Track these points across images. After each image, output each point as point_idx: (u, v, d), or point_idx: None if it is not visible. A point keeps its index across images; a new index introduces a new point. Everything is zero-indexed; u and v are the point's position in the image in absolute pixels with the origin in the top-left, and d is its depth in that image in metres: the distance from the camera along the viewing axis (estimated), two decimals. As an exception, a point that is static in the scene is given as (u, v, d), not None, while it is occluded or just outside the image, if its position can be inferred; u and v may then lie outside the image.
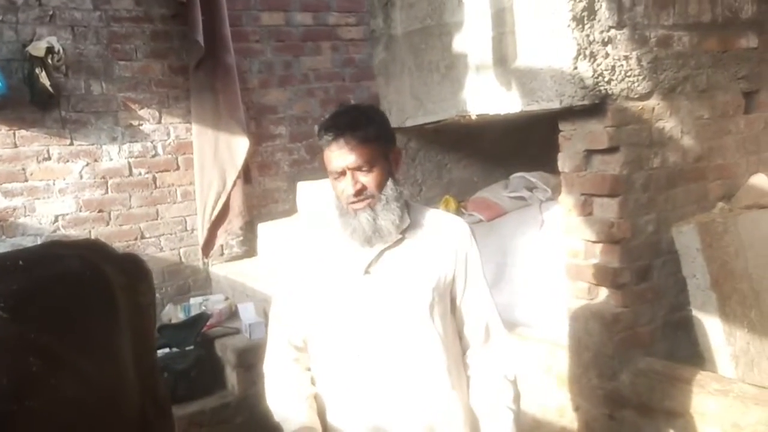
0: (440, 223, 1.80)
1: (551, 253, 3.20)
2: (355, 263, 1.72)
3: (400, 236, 1.72)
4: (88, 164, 3.94)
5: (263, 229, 4.44)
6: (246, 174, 4.38)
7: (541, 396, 3.10)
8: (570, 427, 2.98)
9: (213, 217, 4.25)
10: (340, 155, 1.65)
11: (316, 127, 1.80)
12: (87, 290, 2.08)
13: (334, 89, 4.88)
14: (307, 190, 4.59)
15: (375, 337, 1.69)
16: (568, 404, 2.97)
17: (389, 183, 1.71)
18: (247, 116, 4.41)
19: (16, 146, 3.74)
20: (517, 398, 1.78)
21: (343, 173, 1.67)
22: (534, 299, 3.37)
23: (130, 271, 2.38)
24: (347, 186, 1.67)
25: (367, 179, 1.67)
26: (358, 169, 1.66)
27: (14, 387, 1.63)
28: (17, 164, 3.76)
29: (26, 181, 3.79)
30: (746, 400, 2.36)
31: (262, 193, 4.62)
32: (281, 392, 1.76)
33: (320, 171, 4.64)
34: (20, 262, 2.05)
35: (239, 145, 4.27)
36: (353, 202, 1.68)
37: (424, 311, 1.70)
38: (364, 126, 1.68)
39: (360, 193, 1.66)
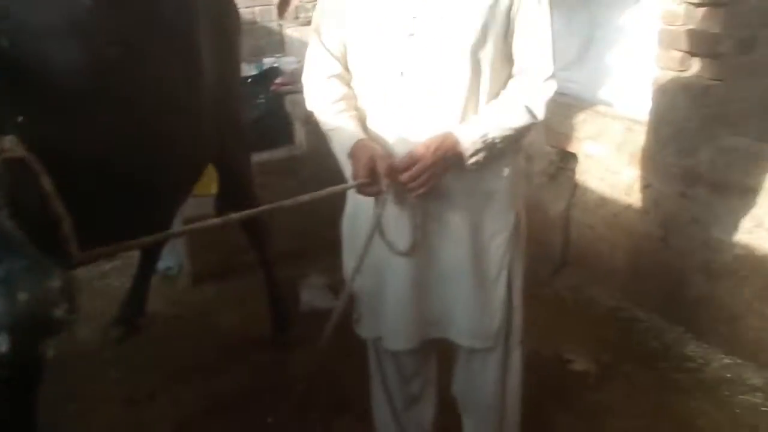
0: None
1: (644, 28, 2.95)
2: None
3: None
4: None
5: (340, -7, 4.26)
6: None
7: (609, 174, 3.02)
8: (636, 205, 2.92)
9: (289, -24, 4.08)
10: None
11: None
12: None
13: None
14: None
15: (420, 58, 1.56)
16: (638, 182, 2.89)
17: None
18: None
19: None
20: (519, 128, 1.60)
21: None
22: (619, 77, 3.18)
23: None
24: None
25: None
26: None
27: (93, 70, 1.66)
28: None
29: None
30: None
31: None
32: (326, 105, 1.68)
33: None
34: None
35: None
36: None
37: (475, 35, 1.54)
38: None
39: None
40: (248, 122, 3.27)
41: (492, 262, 1.72)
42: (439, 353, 1.96)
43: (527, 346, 1.90)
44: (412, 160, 1.53)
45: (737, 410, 2.39)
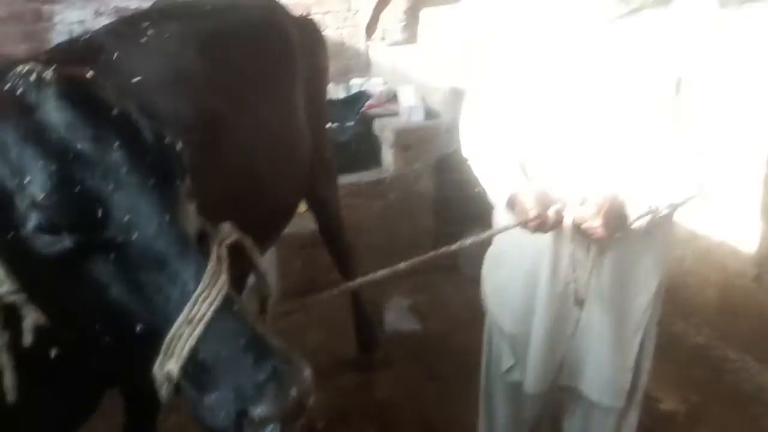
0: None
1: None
2: (581, 35, 1.55)
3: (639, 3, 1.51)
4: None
5: (426, 15, 4.31)
6: (414, -43, 4.18)
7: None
8: (729, 242, 2.86)
9: (377, -1, 4.16)
10: None
11: None
12: (270, 42, 2.14)
13: None
14: (474, -23, 4.35)
15: (606, 101, 1.55)
16: (732, 218, 2.83)
17: None
18: None
19: None
20: (684, 195, 1.60)
21: None
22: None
23: (309, 32, 2.42)
24: None
25: None
26: None
27: (200, 120, 1.71)
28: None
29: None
30: None
31: (427, -23, 4.42)
32: (485, 150, 1.70)
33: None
34: (208, 8, 2.11)
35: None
36: None
37: (667, 89, 1.54)
38: None
39: None
40: (338, 145, 3.37)
41: (631, 322, 1.75)
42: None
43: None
44: (583, 218, 1.53)
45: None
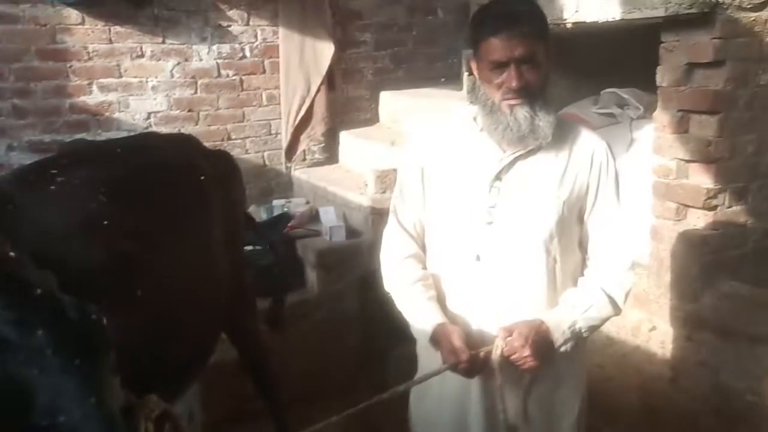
0: (576, 135, 1.71)
1: (639, 174, 3.11)
2: (486, 168, 1.67)
3: (537, 144, 1.63)
4: (179, 63, 4.01)
5: (345, 136, 4.47)
6: (330, 80, 4.37)
7: (616, 314, 3.09)
8: (644, 346, 2.97)
9: (297, 122, 4.29)
10: (508, 45, 1.53)
11: (472, 17, 1.70)
12: (182, 181, 2.16)
13: (422, -4, 4.75)
14: (389, 100, 4.57)
15: (497, 246, 1.66)
16: (644, 324, 2.95)
17: (547, 84, 1.63)
18: (333, 21, 4.36)
19: (111, 42, 3.83)
20: (604, 319, 1.72)
21: (504, 65, 1.56)
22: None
23: (223, 166, 2.47)
24: (509, 79, 1.56)
25: (532, 75, 1.57)
26: (525, 62, 1.55)
27: (111, 266, 1.70)
28: (112, 60, 3.86)
29: (121, 77, 3.90)
30: (837, 329, 2.29)
31: (344, 100, 4.61)
32: (404, 288, 1.75)
33: (403, 81, 4.65)
34: (118, 150, 2.14)
35: (324, 51, 4.25)
36: (511, 98, 1.58)
37: (550, 226, 1.65)
38: (535, 17, 1.60)
39: (522, 88, 1.56)
40: (260, 269, 3.37)
41: None
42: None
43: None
44: (512, 349, 1.58)
45: None
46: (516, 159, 1.66)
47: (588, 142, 1.71)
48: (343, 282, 3.51)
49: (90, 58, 3.80)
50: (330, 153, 4.54)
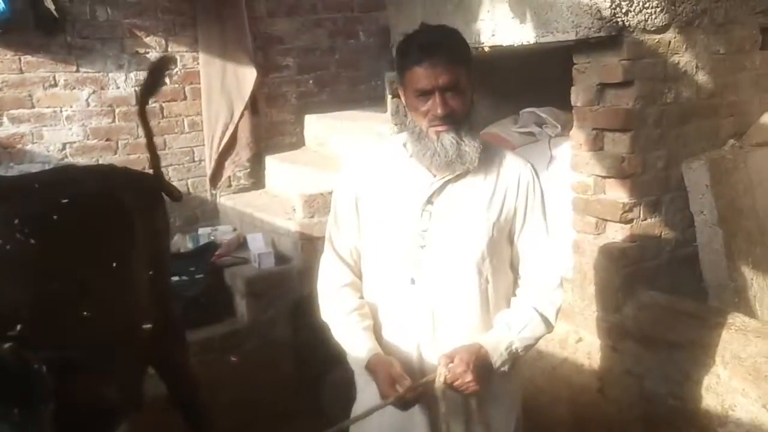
0: (504, 159, 1.78)
1: (558, 190, 3.21)
2: (417, 193, 1.71)
3: (464, 168, 1.68)
4: (94, 92, 3.90)
5: (270, 161, 4.44)
6: (253, 105, 4.35)
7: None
8: (572, 358, 3.05)
9: (220, 149, 4.24)
10: (432, 74, 1.58)
11: (397, 47, 1.74)
12: (104, 212, 2.11)
13: (343, 20, 4.78)
14: (314, 123, 4.57)
15: (431, 268, 1.70)
16: (571, 336, 3.03)
17: (472, 109, 1.68)
18: (254, 46, 4.34)
19: (21, 72, 3.70)
20: (538, 337, 1.79)
21: (429, 93, 1.60)
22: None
23: (147, 195, 2.41)
24: (434, 107, 1.61)
25: (456, 102, 1.62)
26: (449, 89, 1.60)
27: (35, 307, 1.67)
28: (23, 90, 3.72)
29: (33, 107, 3.76)
30: (747, 332, 2.41)
31: (269, 125, 4.59)
32: (340, 317, 1.77)
33: (328, 104, 4.66)
34: (36, 185, 2.07)
35: (246, 76, 4.22)
36: (437, 125, 1.63)
37: (482, 248, 1.70)
38: (457, 46, 1.65)
39: (447, 115, 1.61)
40: (187, 300, 3.29)
41: None
42: None
43: None
44: (455, 376, 1.61)
45: None
46: (446, 183, 1.71)
47: (514, 165, 1.77)
48: (274, 309, 3.47)
49: (-1, 89, 3.65)
50: (256, 178, 4.50)
